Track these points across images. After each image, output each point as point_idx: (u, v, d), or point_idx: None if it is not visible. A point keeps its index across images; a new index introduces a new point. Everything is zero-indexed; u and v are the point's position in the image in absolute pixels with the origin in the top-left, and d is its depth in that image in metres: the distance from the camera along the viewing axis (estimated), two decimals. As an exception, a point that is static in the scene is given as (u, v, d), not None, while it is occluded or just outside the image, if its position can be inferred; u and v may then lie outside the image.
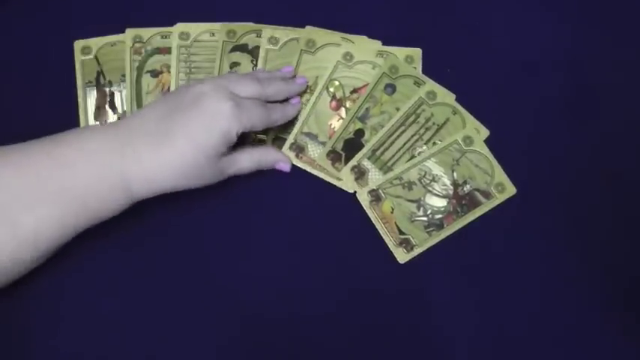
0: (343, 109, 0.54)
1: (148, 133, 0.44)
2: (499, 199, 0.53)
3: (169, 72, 0.54)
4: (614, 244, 0.52)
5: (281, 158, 0.52)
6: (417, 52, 0.55)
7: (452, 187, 0.53)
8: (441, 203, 0.53)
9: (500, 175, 0.53)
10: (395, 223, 0.52)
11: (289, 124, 0.54)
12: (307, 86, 0.54)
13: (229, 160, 0.47)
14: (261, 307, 0.50)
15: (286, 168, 0.52)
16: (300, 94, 0.54)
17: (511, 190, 0.53)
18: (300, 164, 0.53)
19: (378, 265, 0.51)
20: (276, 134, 0.54)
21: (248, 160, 0.49)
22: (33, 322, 0.49)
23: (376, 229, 0.52)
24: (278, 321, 0.50)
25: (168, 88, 0.54)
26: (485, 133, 0.54)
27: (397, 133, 0.53)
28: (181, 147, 0.44)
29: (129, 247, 0.51)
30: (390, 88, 0.54)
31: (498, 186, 0.53)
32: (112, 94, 0.54)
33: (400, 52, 0.55)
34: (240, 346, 0.49)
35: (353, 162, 0.53)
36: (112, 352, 0.49)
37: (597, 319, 0.51)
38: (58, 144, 0.44)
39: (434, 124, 0.54)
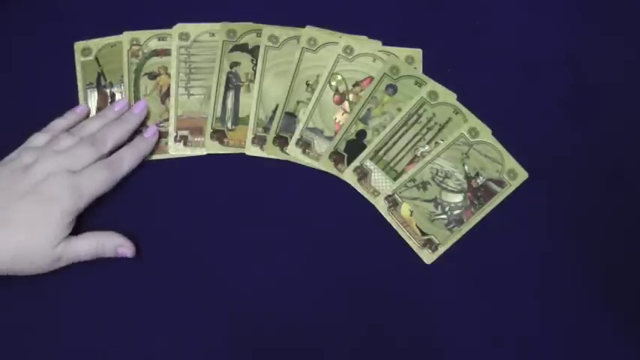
0: (347, 102, 0.54)
1: None
2: (513, 185, 0.53)
3: (167, 74, 0.54)
4: (613, 244, 0.52)
5: (123, 243, 0.48)
6: (417, 53, 0.55)
7: (465, 181, 0.53)
8: (457, 199, 0.53)
9: (510, 161, 0.53)
10: (415, 225, 0.52)
11: (292, 123, 0.53)
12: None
13: (67, 246, 0.46)
14: (277, 310, 0.49)
15: (127, 254, 0.48)
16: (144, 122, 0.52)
17: (523, 175, 0.53)
18: (307, 160, 0.53)
19: (403, 268, 0.51)
20: (277, 133, 0.53)
21: (87, 245, 0.47)
22: (33, 324, 0.48)
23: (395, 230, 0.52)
24: (296, 326, 0.49)
25: (167, 89, 0.53)
26: (487, 132, 0.53)
27: (399, 134, 0.53)
28: (20, 235, 0.44)
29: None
30: (392, 89, 0.54)
31: (510, 173, 0.53)
32: (112, 96, 0.53)
33: (401, 53, 0.55)
34: (253, 348, 0.49)
35: (355, 163, 0.53)
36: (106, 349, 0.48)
37: (599, 318, 0.50)
38: None
39: (436, 123, 0.53)
